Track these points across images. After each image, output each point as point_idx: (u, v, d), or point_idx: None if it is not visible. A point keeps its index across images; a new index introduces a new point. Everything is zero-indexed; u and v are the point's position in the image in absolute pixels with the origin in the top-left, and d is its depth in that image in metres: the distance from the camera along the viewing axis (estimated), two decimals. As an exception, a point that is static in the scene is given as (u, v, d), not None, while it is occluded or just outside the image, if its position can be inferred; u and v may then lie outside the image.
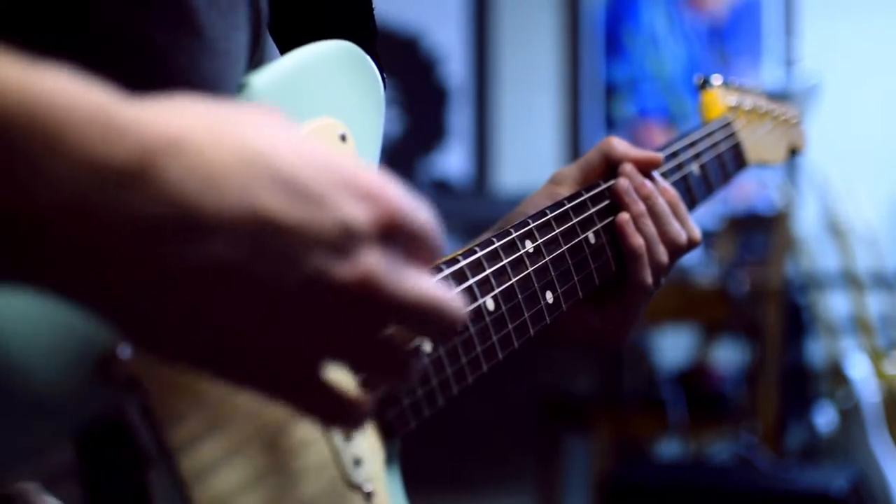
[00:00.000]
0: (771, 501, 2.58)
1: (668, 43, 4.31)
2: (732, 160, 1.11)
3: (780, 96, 1.27)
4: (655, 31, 4.32)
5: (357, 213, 0.52)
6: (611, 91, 4.31)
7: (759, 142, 1.16)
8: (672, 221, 0.94)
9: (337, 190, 0.52)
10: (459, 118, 4.24)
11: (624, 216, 0.92)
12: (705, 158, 1.06)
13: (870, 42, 4.14)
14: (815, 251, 3.84)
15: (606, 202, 0.93)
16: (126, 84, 0.59)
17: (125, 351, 0.55)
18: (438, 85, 4.24)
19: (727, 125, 1.11)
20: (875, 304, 3.90)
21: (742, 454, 2.97)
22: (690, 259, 3.38)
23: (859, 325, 3.79)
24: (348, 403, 0.55)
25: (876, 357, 3.69)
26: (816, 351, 3.77)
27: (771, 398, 3.18)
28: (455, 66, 4.24)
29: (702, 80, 1.14)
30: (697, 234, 0.97)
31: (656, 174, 0.97)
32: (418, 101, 4.21)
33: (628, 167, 0.95)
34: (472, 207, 3.73)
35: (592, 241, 0.90)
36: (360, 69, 0.74)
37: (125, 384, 0.55)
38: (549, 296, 0.85)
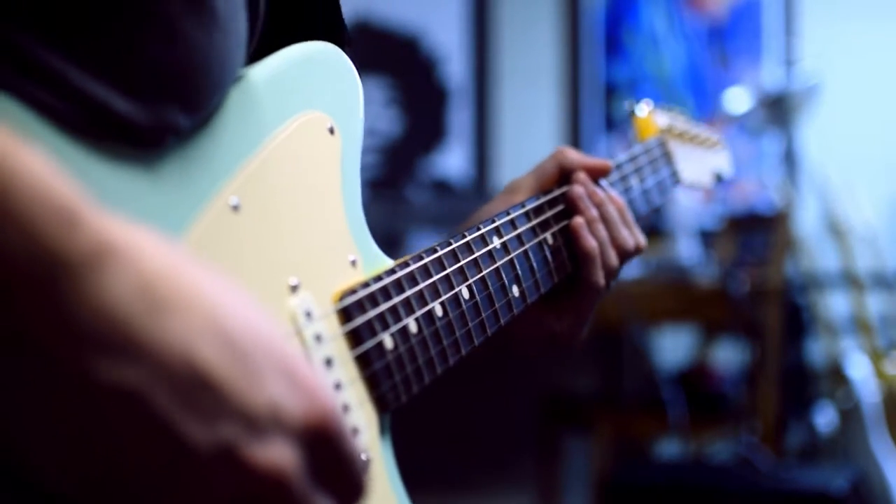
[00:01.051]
0: (771, 501, 2.58)
1: (668, 43, 4.31)
2: (669, 177, 1.19)
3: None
4: (655, 31, 4.32)
5: (290, 402, 0.50)
6: (611, 91, 4.31)
7: (690, 163, 1.24)
8: (621, 227, 1.01)
9: (277, 372, 0.50)
10: (459, 118, 4.24)
11: (579, 220, 0.98)
12: (645, 174, 1.14)
13: (870, 42, 4.14)
14: (815, 251, 3.84)
15: (561, 207, 1.00)
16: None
17: None
18: (438, 85, 4.24)
19: (662, 144, 1.19)
20: (875, 304, 3.90)
21: (742, 454, 2.96)
22: (690, 259, 3.38)
23: (859, 325, 3.79)
24: None
25: (876, 357, 3.69)
26: (816, 351, 3.77)
27: (771, 398, 3.18)
28: (455, 66, 4.24)
29: (633, 106, 1.22)
30: (643, 240, 1.04)
31: (605, 184, 1.04)
32: (418, 101, 4.21)
33: (582, 175, 1.01)
34: (472, 207, 3.72)
35: (550, 241, 0.98)
36: (342, 69, 0.79)
37: None
38: (516, 290, 0.92)
